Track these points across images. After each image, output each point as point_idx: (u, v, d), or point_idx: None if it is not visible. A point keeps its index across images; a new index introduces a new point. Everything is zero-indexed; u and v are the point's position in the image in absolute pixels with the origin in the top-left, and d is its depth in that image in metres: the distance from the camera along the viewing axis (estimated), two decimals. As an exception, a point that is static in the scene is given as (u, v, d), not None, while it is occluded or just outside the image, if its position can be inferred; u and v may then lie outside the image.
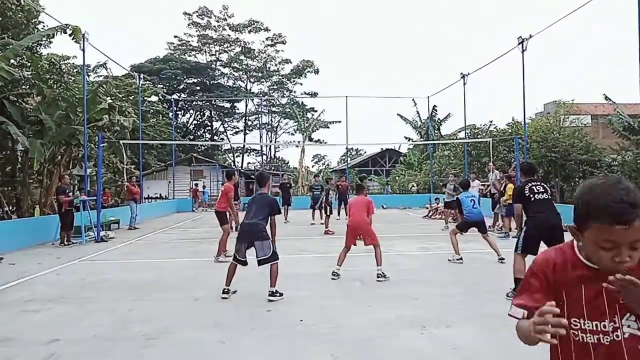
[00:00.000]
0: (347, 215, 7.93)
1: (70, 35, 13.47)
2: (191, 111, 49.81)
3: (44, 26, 17.04)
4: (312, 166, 62.46)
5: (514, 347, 4.30)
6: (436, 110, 35.16)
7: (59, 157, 16.09)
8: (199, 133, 50.58)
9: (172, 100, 35.54)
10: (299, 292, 6.42)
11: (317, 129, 40.80)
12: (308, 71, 48.13)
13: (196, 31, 48.35)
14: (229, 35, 48.76)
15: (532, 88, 55.41)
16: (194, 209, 26.80)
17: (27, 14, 16.08)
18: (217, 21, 48.30)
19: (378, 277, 7.05)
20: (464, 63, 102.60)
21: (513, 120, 23.55)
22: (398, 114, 37.02)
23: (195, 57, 48.86)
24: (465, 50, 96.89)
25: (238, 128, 51.88)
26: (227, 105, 49.31)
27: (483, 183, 16.61)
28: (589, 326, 1.45)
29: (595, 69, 75.45)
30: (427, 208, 20.96)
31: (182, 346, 4.43)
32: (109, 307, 5.84)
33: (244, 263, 6.18)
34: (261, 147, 51.44)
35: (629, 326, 1.43)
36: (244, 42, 48.65)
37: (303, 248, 10.83)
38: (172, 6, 79.37)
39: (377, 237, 7.33)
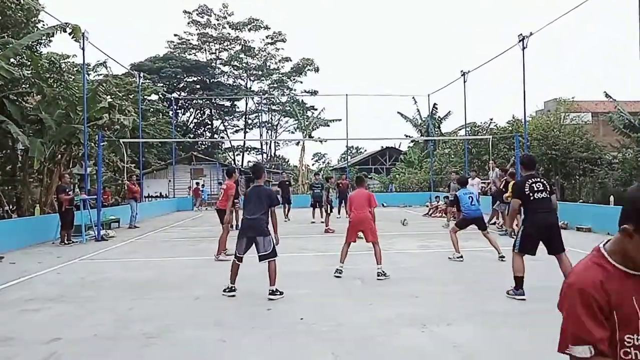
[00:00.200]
0: (347, 211, 7.84)
1: (70, 34, 13.45)
2: (191, 110, 49.82)
3: (43, 25, 17.03)
4: (313, 164, 62.51)
5: (515, 345, 4.31)
6: (436, 108, 35.12)
7: (59, 156, 16.09)
8: (199, 131, 50.57)
9: (172, 98, 35.51)
10: (299, 290, 6.42)
11: (317, 127, 40.74)
12: (308, 69, 48.08)
13: (196, 29, 48.34)
14: (229, 34, 48.72)
15: (533, 86, 55.28)
16: (195, 207, 26.78)
17: (26, 12, 16.06)
18: (217, 19, 48.27)
19: (378, 275, 7.04)
20: (464, 61, 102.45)
21: (513, 117, 23.53)
22: (398, 112, 37.00)
23: (195, 55, 48.83)
24: (466, 48, 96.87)
25: (238, 126, 51.90)
26: (227, 103, 49.28)
27: (484, 181, 16.61)
28: None
29: (594, 67, 75.41)
30: (427, 206, 20.96)
31: (183, 345, 4.43)
32: (110, 306, 5.84)
33: (241, 260, 6.21)
34: (261, 145, 51.48)
35: None
36: (244, 40, 48.64)
37: (303, 246, 10.82)
38: (172, 5, 79.37)
39: (378, 235, 7.33)
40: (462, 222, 8.73)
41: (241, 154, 51.41)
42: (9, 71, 12.83)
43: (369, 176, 35.89)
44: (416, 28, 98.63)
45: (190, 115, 50.17)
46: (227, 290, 6.20)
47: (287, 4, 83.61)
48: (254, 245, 6.08)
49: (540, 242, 5.83)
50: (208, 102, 46.91)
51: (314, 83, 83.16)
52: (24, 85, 15.37)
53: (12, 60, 14.36)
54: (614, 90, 64.55)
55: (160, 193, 31.69)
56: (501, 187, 12.55)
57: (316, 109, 44.87)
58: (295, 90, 49.32)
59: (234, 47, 48.85)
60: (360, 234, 7.37)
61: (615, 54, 68.74)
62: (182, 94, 46.28)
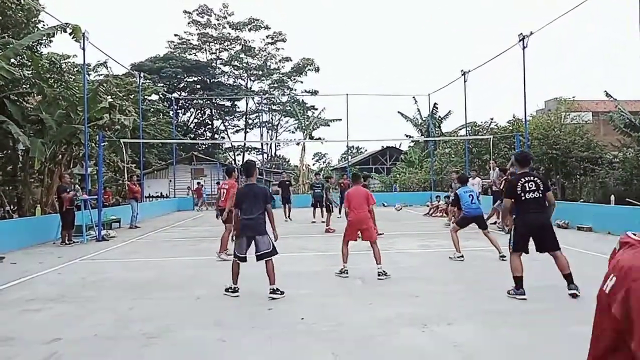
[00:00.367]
0: (344, 208, 7.69)
1: (70, 34, 13.46)
2: (192, 110, 49.83)
3: (44, 25, 17.03)
4: (313, 164, 62.52)
5: (515, 344, 4.31)
6: (437, 108, 35.09)
7: (60, 156, 16.10)
8: (199, 132, 50.57)
9: (172, 98, 35.52)
10: (299, 290, 6.42)
11: (318, 127, 40.75)
12: (308, 69, 48.07)
13: (196, 29, 48.34)
14: (229, 34, 48.71)
15: (533, 85, 55.22)
16: (197, 207, 26.77)
17: (27, 13, 16.06)
18: (217, 19, 48.27)
19: (379, 275, 7.04)
20: (465, 60, 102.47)
21: (514, 117, 23.51)
22: (399, 112, 36.97)
23: (195, 55, 48.84)
24: (466, 47, 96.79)
25: (239, 126, 51.89)
26: (228, 103, 49.27)
27: (484, 180, 16.59)
28: None
29: (594, 67, 75.35)
30: (427, 206, 20.95)
31: (183, 345, 4.43)
32: (110, 306, 5.85)
33: (244, 259, 6.18)
34: (262, 145, 51.48)
35: None
36: (244, 40, 48.63)
37: (304, 246, 10.82)
38: (172, 4, 79.29)
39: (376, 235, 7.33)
40: (463, 220, 8.72)
41: (242, 154, 51.41)
42: (10, 71, 12.84)
43: (370, 176, 35.86)
44: (416, 28, 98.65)
45: (191, 115, 50.20)
46: (229, 291, 6.20)
47: (287, 4, 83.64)
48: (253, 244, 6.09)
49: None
50: (208, 102, 46.93)
51: (314, 83, 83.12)
52: (24, 86, 15.38)
53: (12, 60, 14.37)
54: (615, 89, 64.59)
55: (161, 193, 31.73)
56: (501, 187, 12.55)
57: (316, 109, 44.90)
58: (295, 90, 49.36)
59: (234, 47, 48.86)
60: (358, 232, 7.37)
61: (615, 53, 68.69)
62: (183, 94, 46.30)
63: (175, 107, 39.00)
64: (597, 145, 19.75)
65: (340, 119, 39.31)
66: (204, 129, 51.15)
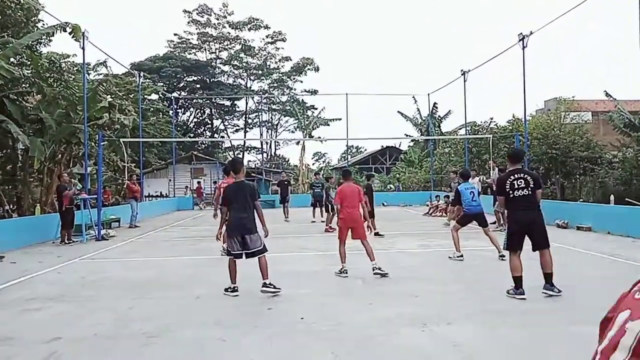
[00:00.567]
0: (336, 204, 7.65)
1: (70, 33, 13.45)
2: (191, 109, 49.79)
3: (43, 24, 17.03)
4: (313, 164, 62.48)
5: (515, 344, 4.32)
6: (436, 108, 35.12)
7: (60, 155, 16.09)
8: (199, 131, 50.55)
9: (172, 98, 35.51)
10: (299, 290, 6.42)
11: (318, 127, 40.72)
12: (308, 69, 48.03)
13: (196, 29, 48.30)
14: (229, 33, 48.68)
15: (533, 85, 55.32)
16: (199, 206, 26.75)
17: (26, 12, 16.06)
18: (217, 19, 48.24)
19: (374, 270, 7.07)
20: (464, 60, 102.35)
21: (513, 117, 23.48)
22: (398, 112, 36.99)
23: (195, 55, 48.81)
24: (466, 47, 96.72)
25: (238, 126, 51.87)
26: (227, 103, 49.25)
27: (487, 180, 16.58)
28: None
29: (594, 66, 75.38)
30: (427, 205, 20.95)
31: (183, 344, 4.43)
32: (110, 306, 5.85)
33: (240, 256, 6.19)
34: (261, 144, 51.45)
35: None
36: (244, 39, 48.58)
37: (303, 246, 10.83)
38: (171, 4, 79.24)
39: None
40: (463, 218, 8.69)
41: (241, 153, 51.39)
42: (9, 71, 12.84)
43: (373, 175, 35.84)
44: (416, 28, 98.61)
45: (191, 114, 50.18)
46: (229, 290, 6.20)
47: (287, 4, 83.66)
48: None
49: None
50: (208, 101, 46.90)
51: (314, 82, 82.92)
52: (24, 85, 15.38)
53: (12, 59, 14.36)
54: (615, 89, 64.63)
55: (161, 192, 31.73)
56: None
57: (316, 109, 44.84)
58: (295, 89, 49.33)
59: (234, 47, 48.83)
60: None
61: (616, 52, 68.75)
62: (182, 93, 46.28)
63: (175, 106, 38.98)
64: (596, 145, 19.74)
65: (340, 119, 39.30)
66: (203, 128, 51.13)
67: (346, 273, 7.23)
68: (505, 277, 6.02)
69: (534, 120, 21.91)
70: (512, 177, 5.86)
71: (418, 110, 35.95)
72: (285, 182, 18.41)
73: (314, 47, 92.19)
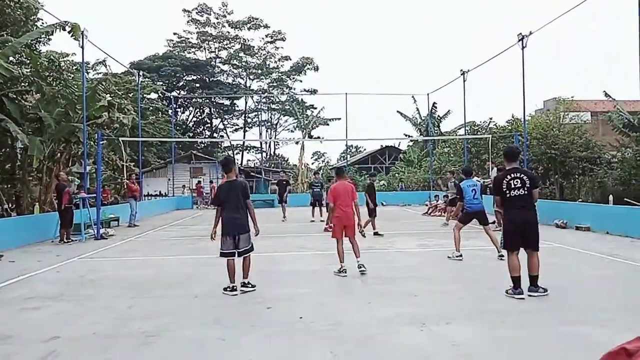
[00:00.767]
0: (329, 201, 7.69)
1: (69, 32, 13.45)
2: (190, 108, 49.76)
3: (42, 23, 17.03)
4: (312, 163, 62.48)
5: (514, 344, 4.32)
6: (436, 107, 35.15)
7: (59, 154, 16.09)
8: (198, 130, 50.55)
9: (171, 97, 35.49)
10: (298, 289, 6.42)
11: (317, 126, 40.74)
12: (308, 68, 48.06)
13: (195, 28, 48.29)
14: (229, 32, 48.68)
15: (532, 85, 55.43)
16: (198, 206, 26.74)
17: (25, 11, 16.05)
18: (217, 18, 48.24)
19: (359, 267, 7.20)
20: (464, 60, 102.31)
21: (513, 117, 23.52)
22: (398, 111, 37.03)
23: (194, 54, 48.79)
24: (465, 47, 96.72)
25: (238, 125, 51.87)
26: (227, 102, 49.24)
27: (485, 180, 16.58)
28: None
29: (594, 66, 75.41)
30: (426, 205, 20.96)
31: (182, 343, 4.43)
32: (109, 305, 5.84)
33: (233, 255, 6.24)
34: (261, 144, 51.43)
35: None
36: (244, 39, 48.59)
37: (302, 245, 10.83)
38: (171, 3, 79.22)
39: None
40: (465, 217, 8.67)
41: (240, 152, 51.39)
42: (8, 69, 12.83)
43: (375, 174, 35.87)
44: (416, 28, 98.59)
45: (190, 114, 50.16)
46: (228, 290, 6.21)
47: (286, 3, 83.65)
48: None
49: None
50: (207, 100, 46.88)
51: (314, 82, 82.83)
52: (23, 84, 15.37)
53: (11, 58, 14.36)
54: (614, 89, 64.69)
55: (160, 192, 31.72)
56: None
57: (316, 108, 44.88)
58: (294, 89, 49.36)
59: (233, 46, 48.83)
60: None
61: (616, 52, 68.80)
62: (182, 92, 46.27)
63: (174, 105, 38.96)
64: (595, 145, 19.78)
65: (339, 118, 39.31)
66: (202, 127, 51.13)
67: (345, 272, 7.24)
68: (504, 277, 6.02)
69: (533, 120, 21.94)
70: (508, 177, 5.88)
71: (417, 110, 36.00)
72: (284, 182, 18.40)
73: (313, 46, 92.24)
